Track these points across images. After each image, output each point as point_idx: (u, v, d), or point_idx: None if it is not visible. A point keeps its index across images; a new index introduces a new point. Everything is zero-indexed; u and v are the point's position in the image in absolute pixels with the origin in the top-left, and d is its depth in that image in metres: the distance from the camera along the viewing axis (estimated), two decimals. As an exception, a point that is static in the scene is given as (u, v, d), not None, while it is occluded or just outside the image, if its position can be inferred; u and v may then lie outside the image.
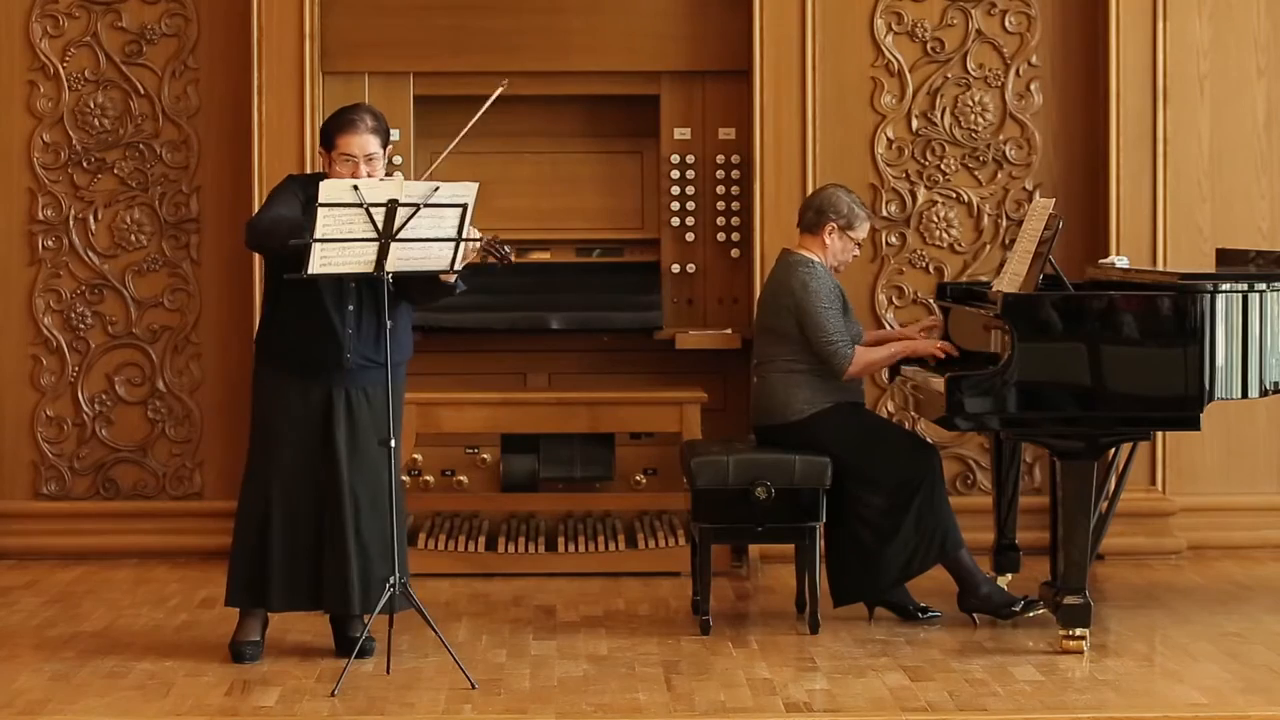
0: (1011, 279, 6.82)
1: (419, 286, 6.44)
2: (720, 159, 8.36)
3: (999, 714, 5.78)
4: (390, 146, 6.52)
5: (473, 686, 6.05)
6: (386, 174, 6.49)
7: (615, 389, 8.06)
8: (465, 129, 6.62)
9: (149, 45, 8.24)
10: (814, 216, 7.08)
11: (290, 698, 5.98)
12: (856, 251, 7.14)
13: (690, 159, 8.36)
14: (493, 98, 6.66)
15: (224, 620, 6.65)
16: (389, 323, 6.30)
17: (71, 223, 8.25)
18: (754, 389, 7.15)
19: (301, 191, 6.39)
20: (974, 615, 6.95)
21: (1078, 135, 8.33)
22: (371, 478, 6.40)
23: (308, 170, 7.89)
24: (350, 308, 6.38)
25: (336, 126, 6.44)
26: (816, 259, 7.04)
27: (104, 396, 8.30)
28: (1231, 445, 8.33)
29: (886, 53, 8.28)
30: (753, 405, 7.18)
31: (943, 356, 7.00)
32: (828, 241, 7.05)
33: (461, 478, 8.27)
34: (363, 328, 6.40)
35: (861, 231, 7.09)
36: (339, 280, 6.34)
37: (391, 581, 6.22)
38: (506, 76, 8.21)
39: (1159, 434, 8.01)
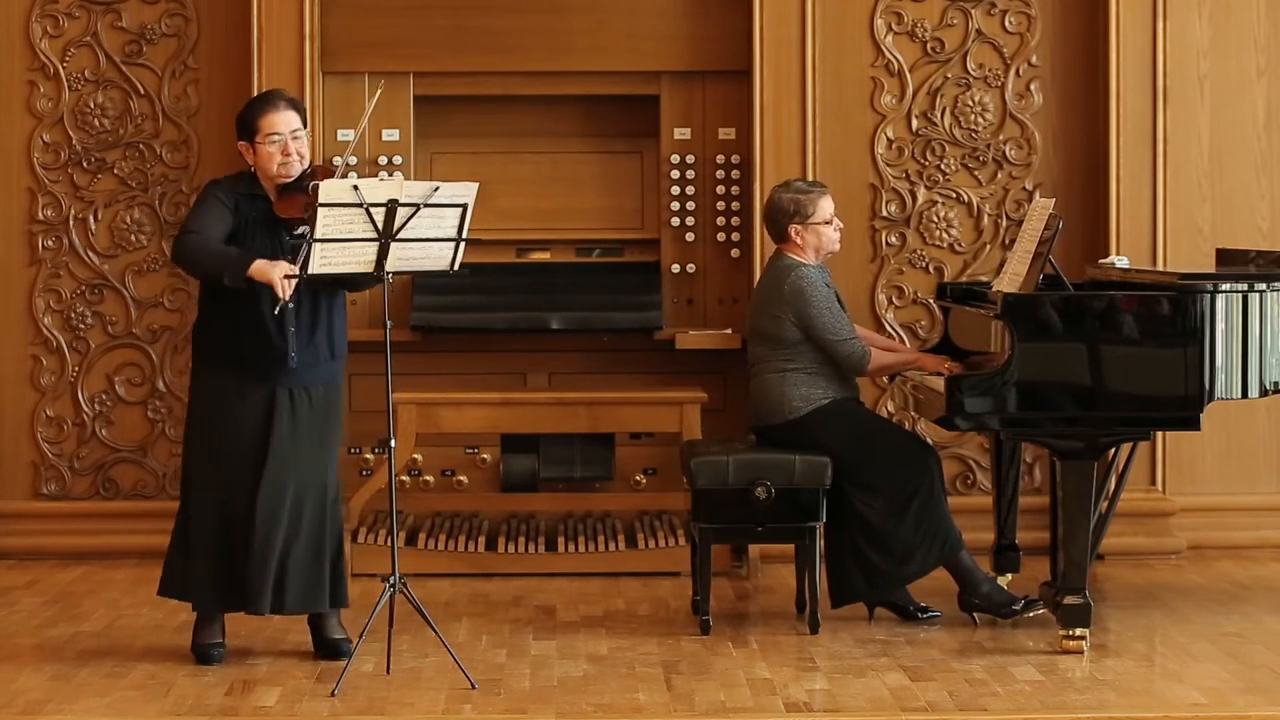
0: (1011, 279, 6.82)
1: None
2: (720, 159, 8.36)
3: (999, 714, 5.78)
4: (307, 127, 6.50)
5: (473, 686, 6.05)
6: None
7: (615, 389, 8.05)
8: None
9: (149, 45, 8.24)
10: (774, 228, 7.09)
11: (290, 698, 5.98)
12: (837, 230, 7.08)
13: (690, 159, 8.35)
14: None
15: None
16: (392, 325, 6.29)
17: (71, 223, 8.25)
18: (750, 391, 7.15)
19: (227, 198, 6.34)
20: (974, 615, 6.95)
21: (1078, 135, 8.32)
22: (310, 477, 6.37)
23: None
24: (290, 306, 6.30)
25: (256, 111, 6.40)
26: (802, 260, 7.04)
27: (104, 396, 8.30)
28: (1231, 445, 8.32)
29: (886, 53, 8.28)
30: (749, 407, 7.18)
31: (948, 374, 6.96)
32: (800, 241, 7.04)
33: (461, 478, 8.27)
34: (302, 326, 6.35)
35: (823, 212, 7.03)
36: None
37: (391, 581, 6.23)
38: (510, 75, 8.27)
39: (1159, 434, 8.01)
